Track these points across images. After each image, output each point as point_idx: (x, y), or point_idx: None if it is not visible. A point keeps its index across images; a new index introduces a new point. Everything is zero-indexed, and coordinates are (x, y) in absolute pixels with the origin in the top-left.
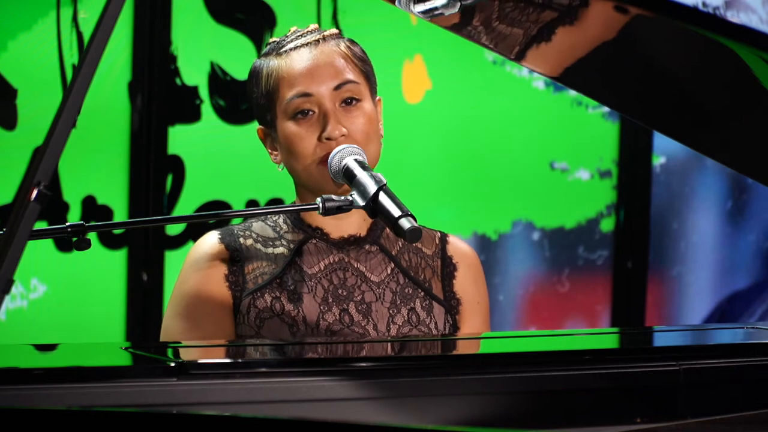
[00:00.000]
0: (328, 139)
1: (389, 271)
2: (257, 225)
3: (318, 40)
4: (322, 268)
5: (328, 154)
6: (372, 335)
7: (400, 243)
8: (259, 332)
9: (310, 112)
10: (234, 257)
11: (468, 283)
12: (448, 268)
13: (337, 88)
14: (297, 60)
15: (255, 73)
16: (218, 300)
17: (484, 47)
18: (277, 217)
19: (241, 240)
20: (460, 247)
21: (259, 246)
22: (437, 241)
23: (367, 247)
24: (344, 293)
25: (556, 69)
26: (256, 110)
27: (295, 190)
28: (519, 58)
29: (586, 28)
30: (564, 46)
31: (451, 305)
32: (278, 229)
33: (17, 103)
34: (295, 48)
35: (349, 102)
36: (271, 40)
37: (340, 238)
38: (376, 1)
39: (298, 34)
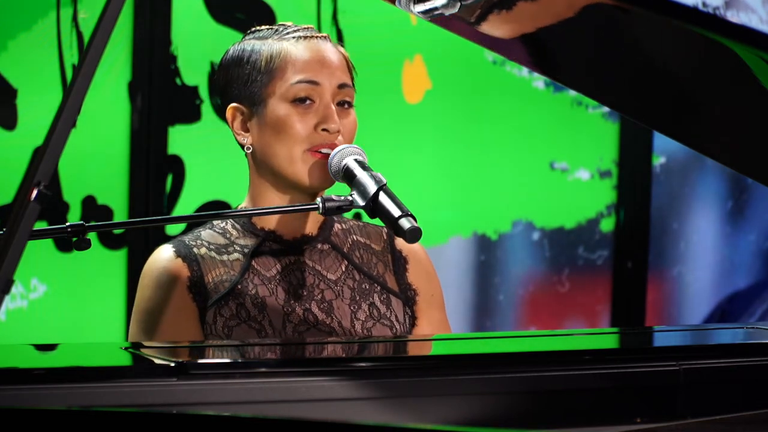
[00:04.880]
0: (325, 130)
1: (344, 269)
2: (206, 233)
3: (326, 37)
4: (280, 270)
5: (319, 145)
6: (339, 332)
7: (349, 240)
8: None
9: (309, 101)
10: (192, 268)
11: (420, 275)
12: (399, 261)
13: (341, 87)
14: (310, 49)
15: (250, 51)
16: (184, 313)
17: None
18: (224, 223)
19: (195, 250)
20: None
21: (213, 254)
22: (385, 236)
23: (319, 246)
24: (304, 293)
25: (514, 34)
26: (240, 88)
27: (250, 185)
28: (478, 22)
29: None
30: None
31: (408, 296)
32: (228, 235)
33: (17, 103)
34: (306, 38)
35: (342, 104)
36: (259, 27)
37: (293, 239)
38: (376, 1)
39: (298, 27)
